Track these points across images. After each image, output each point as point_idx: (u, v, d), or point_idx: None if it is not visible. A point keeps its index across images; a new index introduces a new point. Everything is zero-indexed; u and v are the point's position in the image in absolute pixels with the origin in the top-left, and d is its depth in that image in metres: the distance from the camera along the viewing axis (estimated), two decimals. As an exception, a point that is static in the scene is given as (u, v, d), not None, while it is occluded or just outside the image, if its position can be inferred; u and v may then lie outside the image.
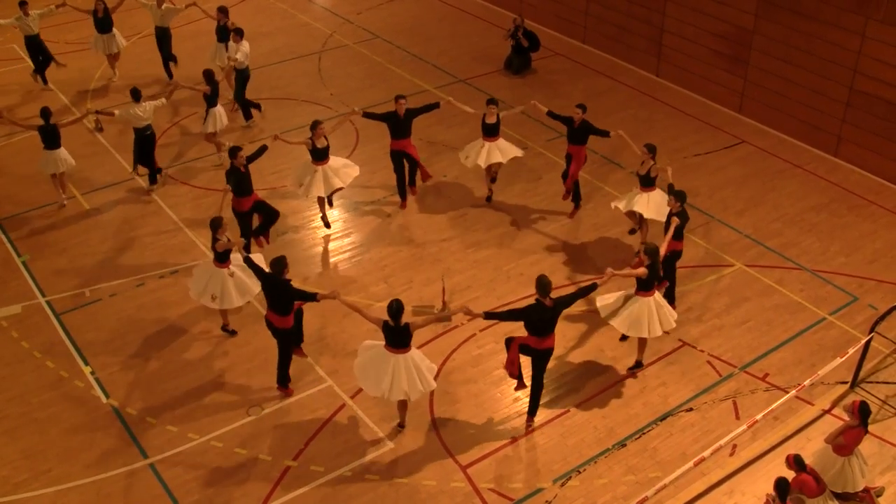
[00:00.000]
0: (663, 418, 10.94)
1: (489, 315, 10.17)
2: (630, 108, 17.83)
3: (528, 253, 13.69)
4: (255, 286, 11.44)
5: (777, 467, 10.21)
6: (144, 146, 14.70)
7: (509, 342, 10.52)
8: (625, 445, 10.59)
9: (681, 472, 9.75)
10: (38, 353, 11.88)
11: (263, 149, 12.89)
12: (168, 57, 18.31)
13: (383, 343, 10.13)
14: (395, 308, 9.83)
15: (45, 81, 18.22)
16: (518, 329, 12.04)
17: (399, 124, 13.88)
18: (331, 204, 14.25)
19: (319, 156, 13.42)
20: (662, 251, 11.21)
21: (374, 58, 19.80)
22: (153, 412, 10.98)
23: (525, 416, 10.89)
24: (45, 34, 18.15)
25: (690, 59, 18.16)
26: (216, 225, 11.20)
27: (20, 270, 13.34)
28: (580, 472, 10.26)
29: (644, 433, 10.75)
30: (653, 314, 10.98)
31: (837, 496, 9.41)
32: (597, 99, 18.10)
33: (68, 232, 14.14)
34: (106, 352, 11.88)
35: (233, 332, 12.06)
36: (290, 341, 10.95)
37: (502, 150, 14.31)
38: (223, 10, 17.09)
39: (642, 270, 10.80)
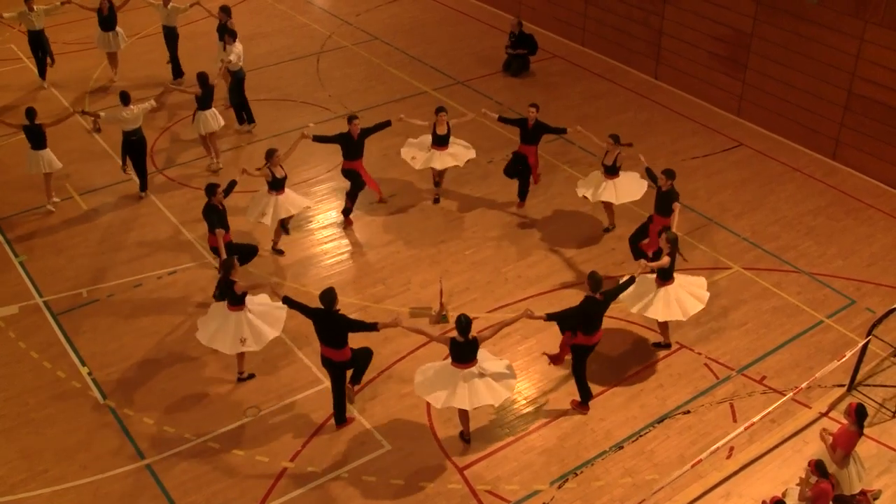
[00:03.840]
0: (660, 421, 10.95)
1: (551, 316, 10.20)
2: (628, 110, 17.84)
3: (526, 255, 13.69)
4: (282, 313, 10.95)
5: (774, 470, 10.24)
6: (131, 151, 14.61)
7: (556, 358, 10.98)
8: (622, 448, 10.60)
9: (678, 475, 9.76)
10: (35, 353, 11.87)
11: (233, 184, 12.56)
12: (174, 56, 18.31)
13: (448, 361, 10.06)
14: (465, 322, 9.74)
15: (42, 76, 18.20)
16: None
17: (353, 145, 13.61)
18: (287, 231, 13.91)
19: (277, 186, 12.99)
20: (674, 226, 11.76)
21: (372, 59, 19.81)
22: (150, 413, 10.97)
23: (523, 418, 10.93)
24: (46, 33, 18.12)
25: (689, 62, 18.17)
26: (229, 266, 10.72)
27: (17, 271, 13.33)
28: (577, 475, 10.26)
29: (641, 435, 10.75)
30: (679, 296, 11.25)
31: (835, 499, 9.41)
32: (595, 101, 18.12)
33: (66, 232, 14.13)
34: (103, 352, 11.87)
35: (251, 377, 11.49)
36: (344, 375, 10.51)
37: (455, 156, 14.24)
38: (225, 10, 17.09)
39: (666, 260, 11.08)
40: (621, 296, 11.33)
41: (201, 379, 11.47)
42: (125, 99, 14.27)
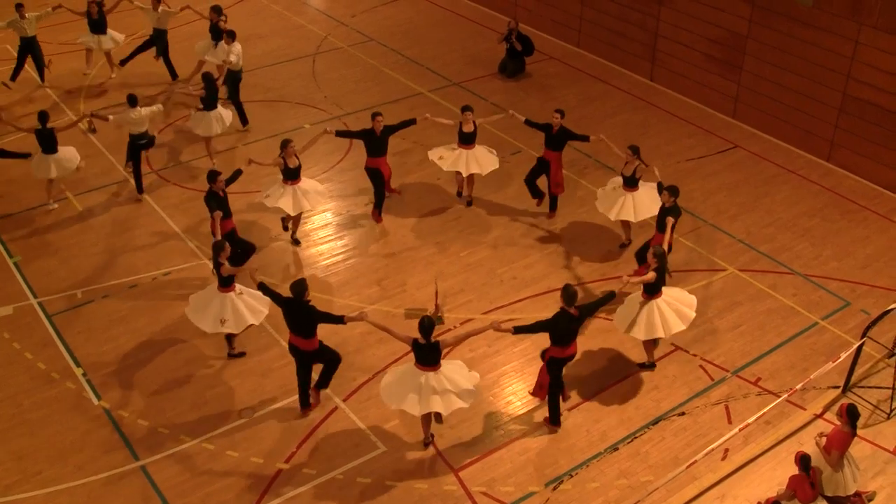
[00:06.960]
0: (655, 422, 10.95)
1: (518, 329, 10.05)
2: (624, 112, 17.86)
3: (521, 257, 13.69)
4: (266, 302, 11.12)
5: (769, 472, 10.25)
6: (135, 153, 14.62)
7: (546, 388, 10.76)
8: (617, 449, 10.60)
9: (673, 476, 9.76)
10: (29, 354, 11.84)
11: (238, 173, 12.66)
12: (165, 55, 18.23)
13: (413, 362, 10.04)
14: (427, 324, 9.71)
15: (14, 78, 18.07)
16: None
17: (376, 142, 13.62)
18: (297, 243, 13.89)
19: (291, 175, 13.08)
20: (666, 241, 11.65)
21: (368, 61, 19.80)
22: (145, 414, 10.95)
23: (518, 420, 10.92)
24: (40, 35, 18.08)
25: (684, 64, 18.19)
26: (219, 248, 10.89)
27: (12, 271, 13.30)
28: (572, 476, 10.26)
29: (636, 437, 10.76)
30: (662, 314, 11.05)
31: (829, 500, 9.43)
32: (591, 103, 18.14)
33: (61, 233, 14.10)
34: (98, 353, 11.85)
35: (241, 355, 11.74)
36: (310, 365, 10.65)
37: (480, 163, 14.18)
38: (216, 10, 17.12)
39: (651, 275, 10.91)
40: (613, 317, 11.33)
41: (196, 380, 11.45)
42: (132, 101, 14.29)
